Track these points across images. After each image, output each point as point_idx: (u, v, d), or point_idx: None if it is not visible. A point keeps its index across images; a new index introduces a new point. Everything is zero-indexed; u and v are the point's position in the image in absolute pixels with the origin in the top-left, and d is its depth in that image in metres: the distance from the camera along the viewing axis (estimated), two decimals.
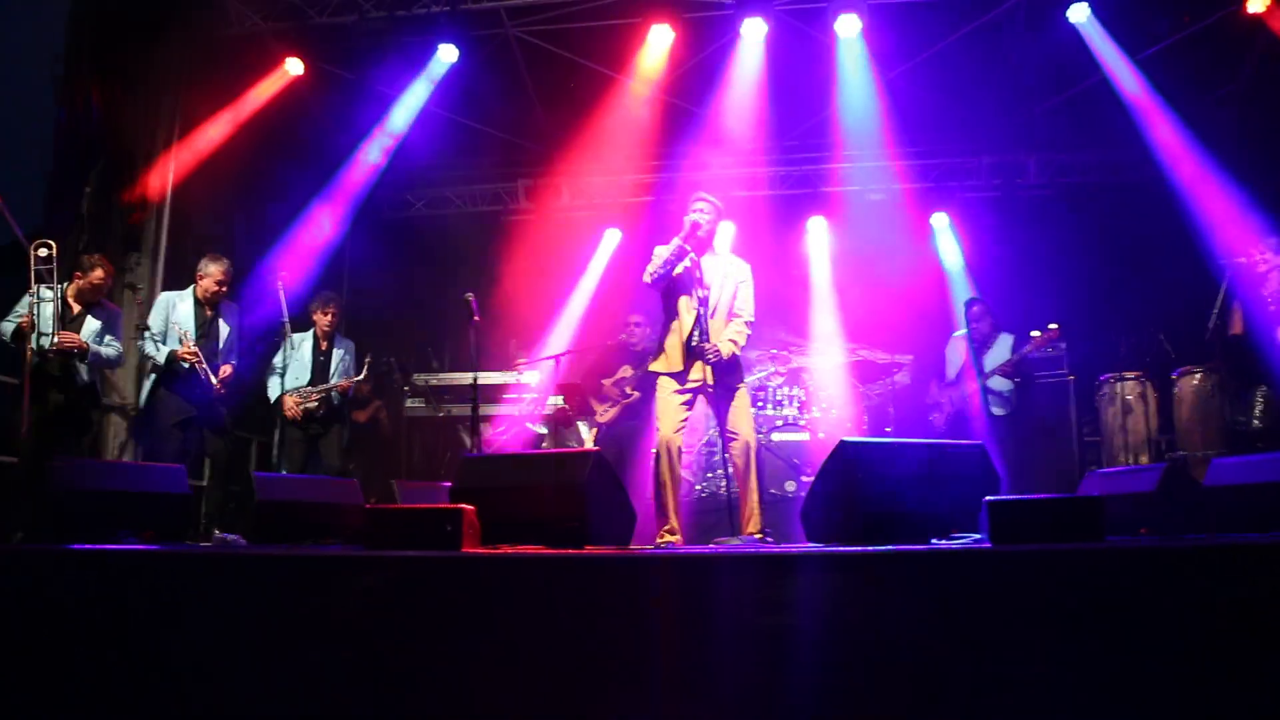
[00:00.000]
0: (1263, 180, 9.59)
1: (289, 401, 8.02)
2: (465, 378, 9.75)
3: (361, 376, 8.49)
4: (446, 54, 10.33)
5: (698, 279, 6.12)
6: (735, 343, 6.14)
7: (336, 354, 8.38)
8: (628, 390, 8.96)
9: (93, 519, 4.77)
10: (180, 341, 7.31)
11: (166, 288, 9.19)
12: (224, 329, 7.61)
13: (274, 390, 8.15)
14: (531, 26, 10.41)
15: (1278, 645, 3.01)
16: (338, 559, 3.88)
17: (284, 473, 7.89)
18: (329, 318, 8.39)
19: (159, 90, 9.40)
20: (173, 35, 9.33)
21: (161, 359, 7.31)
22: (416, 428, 10.93)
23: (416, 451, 10.96)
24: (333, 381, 8.22)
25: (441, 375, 10.87)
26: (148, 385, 7.49)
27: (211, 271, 7.54)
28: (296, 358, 8.23)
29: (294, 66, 10.13)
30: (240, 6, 9.86)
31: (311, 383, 8.20)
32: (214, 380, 7.30)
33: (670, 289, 6.19)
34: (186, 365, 7.27)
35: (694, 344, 6.05)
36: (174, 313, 7.46)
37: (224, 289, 7.61)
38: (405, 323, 12.07)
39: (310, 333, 8.38)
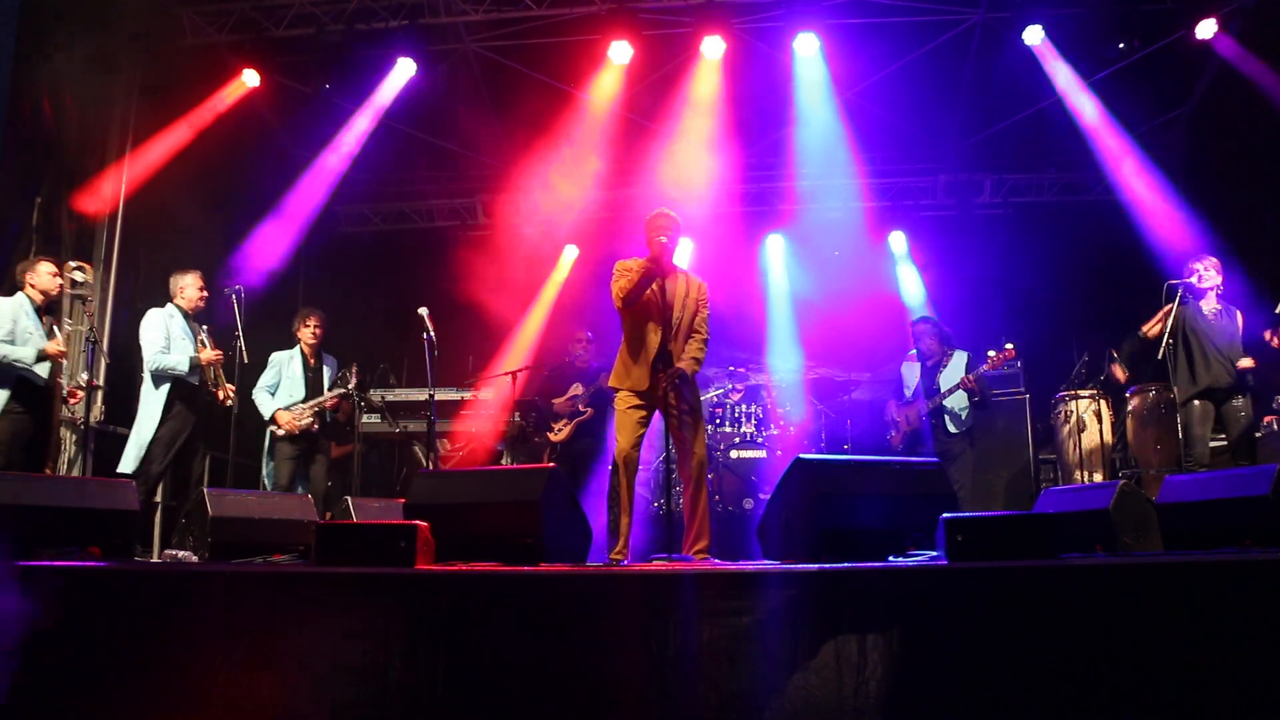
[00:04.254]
0: (1209, 200, 9.75)
1: (284, 417, 8.03)
2: (421, 394, 9.68)
3: (348, 389, 8.42)
4: (404, 68, 10.29)
5: (662, 299, 6.09)
6: (697, 360, 6.14)
7: (326, 370, 8.42)
8: (580, 408, 8.93)
9: (37, 535, 4.66)
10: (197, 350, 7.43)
11: (117, 299, 9.08)
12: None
13: (265, 408, 8.15)
14: (490, 42, 10.40)
15: (1229, 659, 3.03)
16: (290, 575, 3.82)
17: (269, 489, 7.90)
18: (310, 330, 8.38)
19: (111, 100, 9.29)
20: (126, 46, 9.22)
21: (184, 366, 7.33)
22: (372, 444, 10.82)
23: (372, 467, 10.85)
24: (326, 395, 8.21)
25: (398, 391, 10.76)
26: (160, 401, 7.42)
27: (189, 282, 7.61)
28: (288, 375, 8.25)
29: (250, 79, 10.05)
30: (196, 18, 9.77)
31: (305, 399, 8.17)
32: (223, 394, 7.49)
33: (637, 309, 6.16)
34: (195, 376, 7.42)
35: (657, 365, 6.02)
36: (172, 326, 7.48)
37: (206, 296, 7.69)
38: (362, 338, 11.95)
39: (297, 349, 8.35)
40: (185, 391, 7.38)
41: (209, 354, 7.37)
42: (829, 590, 3.30)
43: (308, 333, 8.36)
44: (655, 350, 6.04)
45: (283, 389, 8.18)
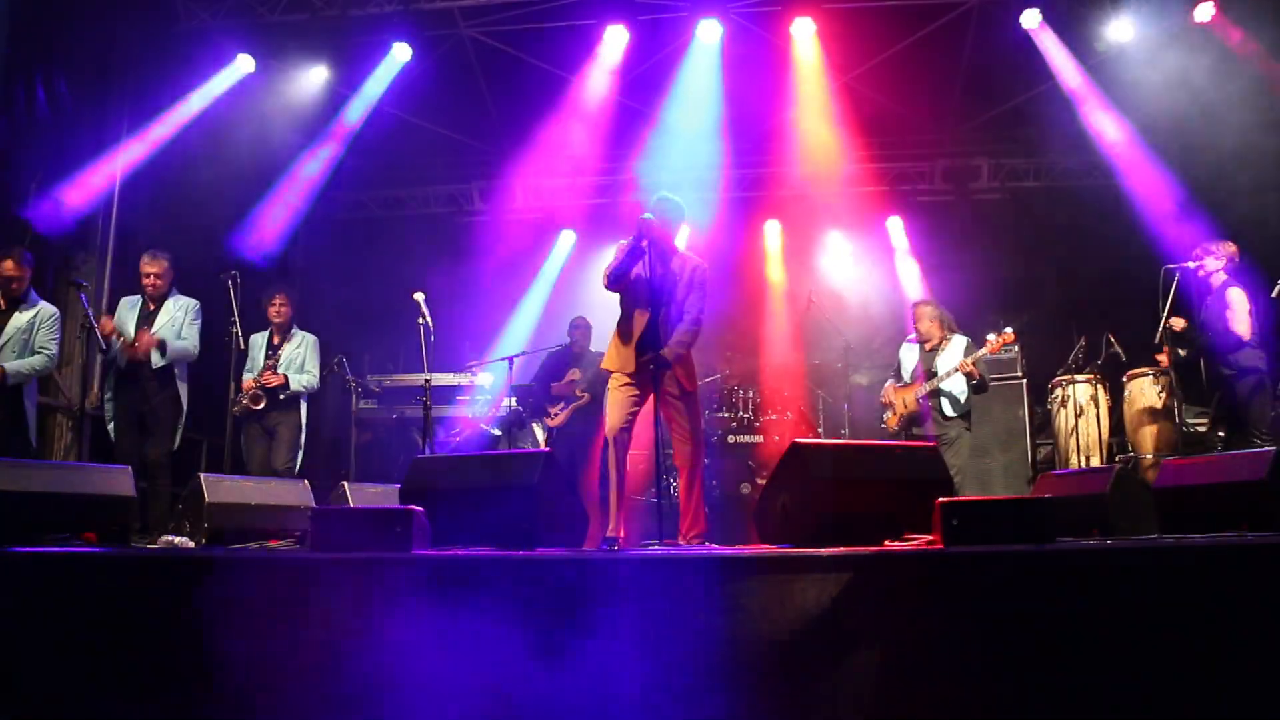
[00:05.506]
0: (1209, 185, 9.72)
1: (246, 382, 8.10)
2: (417, 379, 9.68)
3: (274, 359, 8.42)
4: (400, 54, 10.26)
5: (654, 279, 6.06)
6: (682, 343, 6.07)
7: (288, 347, 8.34)
8: (577, 393, 8.93)
9: (30, 521, 4.65)
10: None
11: (114, 287, 9.07)
12: (161, 319, 7.62)
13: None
14: (486, 27, 10.36)
15: (1226, 643, 3.03)
16: (285, 560, 3.81)
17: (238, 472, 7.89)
18: (273, 309, 8.39)
19: (106, 87, 9.25)
20: (120, 31, 9.18)
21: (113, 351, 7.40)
22: (368, 429, 10.81)
23: (368, 453, 10.85)
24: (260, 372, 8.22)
25: (394, 376, 10.77)
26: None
27: (143, 267, 7.64)
28: (254, 356, 8.28)
29: (245, 64, 9.99)
30: (189, 3, 9.72)
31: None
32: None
33: (626, 289, 6.13)
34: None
35: (644, 349, 5.99)
36: (124, 311, 7.58)
37: (161, 283, 7.64)
38: (357, 324, 11.92)
39: (268, 330, 8.37)
40: (116, 374, 7.50)
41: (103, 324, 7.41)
42: (825, 575, 3.29)
43: (272, 311, 8.41)
44: (642, 332, 6.01)
45: (250, 369, 8.28)
